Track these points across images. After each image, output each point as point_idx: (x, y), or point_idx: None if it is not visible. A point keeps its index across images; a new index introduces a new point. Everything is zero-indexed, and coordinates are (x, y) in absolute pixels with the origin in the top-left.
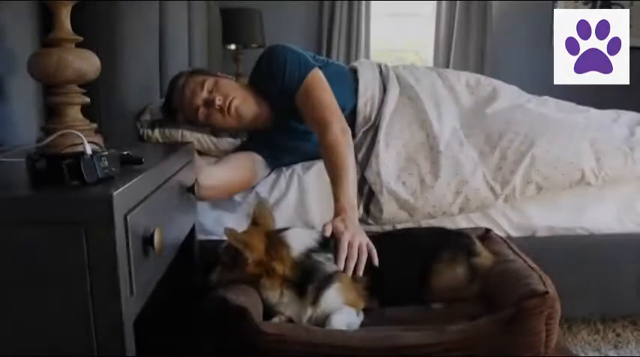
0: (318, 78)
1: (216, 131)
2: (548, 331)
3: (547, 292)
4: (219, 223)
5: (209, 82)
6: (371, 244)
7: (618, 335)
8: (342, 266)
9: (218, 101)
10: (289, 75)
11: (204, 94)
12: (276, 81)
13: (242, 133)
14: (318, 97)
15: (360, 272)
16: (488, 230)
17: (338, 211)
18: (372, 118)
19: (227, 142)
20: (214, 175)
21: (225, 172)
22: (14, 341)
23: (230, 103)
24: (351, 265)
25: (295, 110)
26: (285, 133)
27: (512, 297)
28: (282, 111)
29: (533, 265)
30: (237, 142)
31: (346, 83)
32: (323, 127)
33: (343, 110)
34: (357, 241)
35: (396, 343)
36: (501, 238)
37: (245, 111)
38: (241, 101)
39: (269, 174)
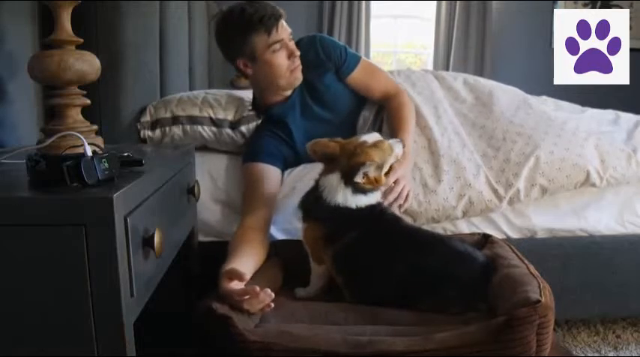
0: (367, 60)
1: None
2: (540, 340)
3: (539, 301)
4: (222, 223)
5: (283, 30)
6: (411, 193)
7: (618, 337)
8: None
9: (297, 53)
10: (348, 56)
11: (286, 36)
12: (336, 63)
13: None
14: (381, 71)
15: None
16: (487, 235)
17: None
18: (372, 119)
19: (227, 134)
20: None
21: (264, 212)
22: (14, 341)
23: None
24: (390, 199)
25: (324, 95)
26: (308, 122)
27: (507, 304)
28: (318, 93)
29: (535, 272)
30: (237, 136)
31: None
32: (394, 93)
33: (344, 112)
34: (402, 183)
35: (382, 350)
36: (505, 242)
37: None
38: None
39: None
